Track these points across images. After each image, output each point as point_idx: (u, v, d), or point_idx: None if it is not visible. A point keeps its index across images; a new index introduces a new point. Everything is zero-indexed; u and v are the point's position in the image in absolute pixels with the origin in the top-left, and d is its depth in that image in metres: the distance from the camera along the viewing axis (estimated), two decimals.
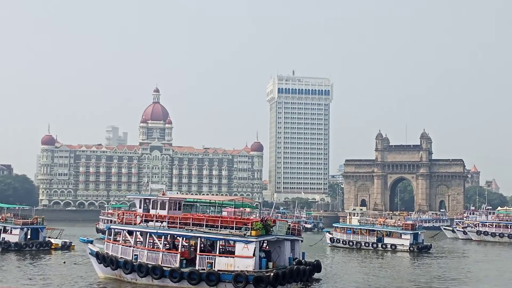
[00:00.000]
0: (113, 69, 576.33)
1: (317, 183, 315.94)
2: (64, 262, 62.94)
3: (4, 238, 73.21)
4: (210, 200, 65.48)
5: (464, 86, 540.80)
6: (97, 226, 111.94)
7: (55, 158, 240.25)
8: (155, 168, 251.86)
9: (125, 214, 52.04)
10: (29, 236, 75.81)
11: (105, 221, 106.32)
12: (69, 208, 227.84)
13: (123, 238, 47.80)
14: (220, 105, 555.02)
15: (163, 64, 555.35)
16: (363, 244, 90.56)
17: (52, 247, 75.76)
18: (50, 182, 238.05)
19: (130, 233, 47.35)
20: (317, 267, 49.44)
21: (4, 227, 75.47)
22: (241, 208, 72.85)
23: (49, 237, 78.23)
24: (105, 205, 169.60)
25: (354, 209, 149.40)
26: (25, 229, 75.37)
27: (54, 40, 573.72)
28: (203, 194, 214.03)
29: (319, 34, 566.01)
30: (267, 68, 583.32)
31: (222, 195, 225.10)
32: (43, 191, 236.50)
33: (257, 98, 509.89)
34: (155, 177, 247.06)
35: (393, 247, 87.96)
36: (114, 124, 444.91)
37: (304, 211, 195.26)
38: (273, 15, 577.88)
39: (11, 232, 74.18)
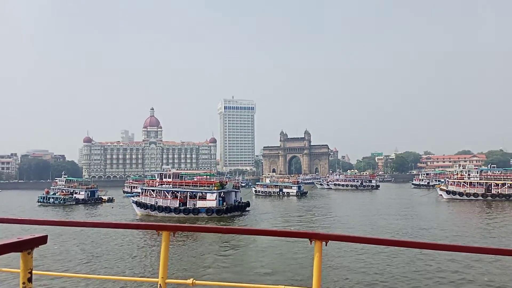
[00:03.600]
0: (124, 92, 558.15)
1: (247, 160, 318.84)
2: (112, 207, 66.25)
3: (76, 196, 75.50)
4: (193, 173, 70.86)
5: (330, 100, 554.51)
6: (124, 189, 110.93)
7: (92, 150, 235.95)
8: (152, 155, 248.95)
9: (149, 181, 57.33)
10: (89, 195, 77.47)
11: (129, 187, 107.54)
12: (101, 180, 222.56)
13: (149, 194, 51.59)
14: (192, 116, 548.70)
15: (157, 90, 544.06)
16: (272, 193, 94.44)
17: (103, 201, 77.89)
18: (89, 164, 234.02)
19: (153, 190, 51.35)
20: (248, 204, 54.65)
21: (75, 190, 78.17)
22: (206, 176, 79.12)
23: (100, 196, 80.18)
24: (126, 178, 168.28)
25: (268, 174, 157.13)
26: (88, 191, 77.88)
27: (84, 69, 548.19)
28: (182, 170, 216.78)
29: (247, 72, 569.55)
30: (218, 93, 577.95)
31: (193, 169, 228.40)
32: (85, 170, 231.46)
33: (212, 112, 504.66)
34: (153, 160, 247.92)
35: (288, 193, 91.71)
36: (125, 128, 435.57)
37: (241, 176, 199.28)
38: (227, 59, 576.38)
39: (79, 193, 76.70)
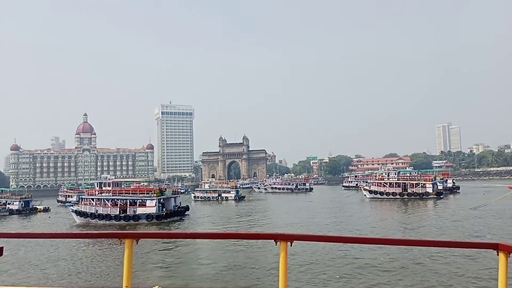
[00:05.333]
0: (54, 97, 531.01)
1: (186, 166, 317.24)
2: (49, 217, 65.20)
3: (9, 207, 73.38)
4: (133, 180, 71.24)
5: (267, 109, 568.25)
6: (58, 198, 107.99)
7: (20, 158, 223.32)
8: (86, 162, 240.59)
9: (88, 190, 57.63)
10: (23, 205, 75.26)
11: (63, 196, 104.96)
12: (31, 189, 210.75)
13: (89, 202, 52.16)
14: (128, 122, 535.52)
15: (90, 95, 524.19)
16: (211, 198, 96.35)
17: (38, 211, 76.12)
18: (17, 173, 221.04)
19: (92, 199, 52.05)
20: (187, 209, 57.14)
21: (7, 200, 75.56)
22: (144, 183, 79.60)
23: (35, 206, 78.37)
24: (57, 187, 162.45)
25: (207, 180, 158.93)
26: (22, 201, 75.42)
27: (8, 69, 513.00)
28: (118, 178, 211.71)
29: (186, 78, 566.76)
30: (155, 98, 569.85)
31: (129, 177, 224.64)
32: (12, 179, 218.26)
33: (149, 117, 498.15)
34: (87, 167, 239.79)
35: (226, 198, 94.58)
36: (56, 135, 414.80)
37: (179, 183, 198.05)
38: (161, 65, 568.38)
39: (13, 204, 74.14)
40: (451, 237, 32.73)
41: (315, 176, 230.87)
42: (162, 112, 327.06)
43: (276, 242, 3.29)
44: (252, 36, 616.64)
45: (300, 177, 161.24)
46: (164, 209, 52.42)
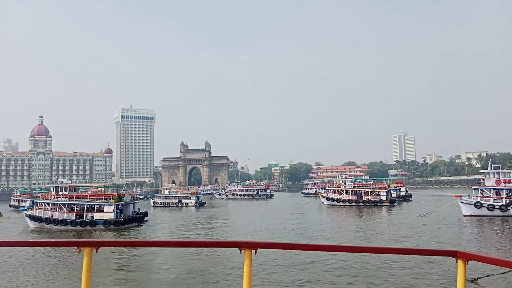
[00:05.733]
0: (5, 97, 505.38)
1: (146, 171, 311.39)
2: (1, 222, 62.48)
3: None
4: (90, 185, 69.50)
5: (230, 115, 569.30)
6: (10, 203, 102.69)
7: None
8: (40, 166, 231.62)
9: (44, 194, 56.02)
10: None
11: (16, 201, 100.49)
12: None
13: (44, 207, 50.91)
14: (85, 125, 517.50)
15: (47, 96, 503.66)
16: (170, 204, 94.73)
17: None
18: None
19: (48, 203, 50.90)
20: (146, 215, 56.66)
21: None
22: (103, 188, 77.88)
23: None
24: (9, 191, 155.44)
25: (168, 186, 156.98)
26: None
27: None
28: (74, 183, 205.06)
29: (147, 83, 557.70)
30: (115, 102, 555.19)
31: (86, 182, 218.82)
32: None
33: (108, 121, 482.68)
34: (41, 171, 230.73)
35: (186, 204, 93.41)
36: (8, 137, 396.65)
37: (138, 188, 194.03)
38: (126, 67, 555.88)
39: None
40: (402, 242, 34.37)
41: (276, 183, 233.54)
42: (122, 115, 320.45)
43: (240, 250, 3.28)
44: (213, 44, 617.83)
45: (262, 184, 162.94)
46: (122, 215, 51.75)
